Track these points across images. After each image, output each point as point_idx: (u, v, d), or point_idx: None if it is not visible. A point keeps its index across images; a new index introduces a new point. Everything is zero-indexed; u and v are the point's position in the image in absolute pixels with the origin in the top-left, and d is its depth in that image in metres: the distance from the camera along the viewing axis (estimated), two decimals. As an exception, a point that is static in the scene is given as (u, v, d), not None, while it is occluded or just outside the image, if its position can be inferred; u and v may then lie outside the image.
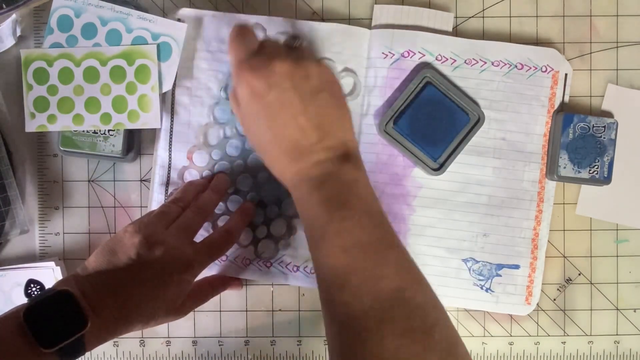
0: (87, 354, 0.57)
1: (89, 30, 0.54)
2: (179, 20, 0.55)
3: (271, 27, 0.55)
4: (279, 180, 0.47)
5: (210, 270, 0.56)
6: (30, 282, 0.44)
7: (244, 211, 0.54)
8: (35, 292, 0.44)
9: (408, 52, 0.55)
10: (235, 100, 0.48)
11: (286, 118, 0.44)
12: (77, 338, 0.42)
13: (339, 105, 0.47)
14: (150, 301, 0.46)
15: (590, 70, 0.57)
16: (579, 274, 0.58)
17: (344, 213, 0.43)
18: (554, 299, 0.57)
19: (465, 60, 0.55)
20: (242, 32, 0.47)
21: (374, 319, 0.39)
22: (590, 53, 0.57)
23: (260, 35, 0.55)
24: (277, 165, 0.47)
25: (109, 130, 0.54)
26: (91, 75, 0.54)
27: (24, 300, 0.43)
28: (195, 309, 0.54)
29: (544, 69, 0.55)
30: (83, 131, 0.54)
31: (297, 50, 0.48)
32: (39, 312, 0.41)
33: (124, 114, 0.54)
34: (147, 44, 0.54)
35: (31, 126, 0.54)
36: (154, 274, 0.46)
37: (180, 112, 0.56)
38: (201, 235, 0.51)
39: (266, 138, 0.46)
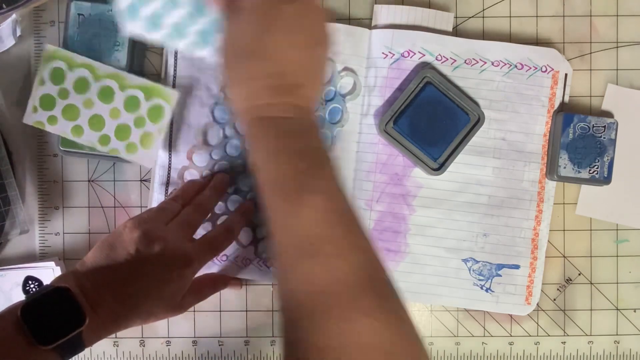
0: (87, 353, 0.57)
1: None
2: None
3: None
4: (232, 104, 0.42)
5: (210, 270, 0.56)
6: (28, 278, 0.44)
7: (244, 210, 0.54)
8: (34, 289, 0.44)
9: (408, 52, 0.55)
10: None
11: (294, 41, 0.40)
12: (76, 335, 0.42)
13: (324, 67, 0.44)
14: (149, 297, 0.46)
15: (590, 70, 0.57)
16: (579, 274, 0.57)
17: (324, 173, 0.39)
18: (554, 299, 0.57)
19: (465, 60, 0.55)
20: None
21: (346, 295, 0.35)
22: (590, 53, 0.57)
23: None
24: (245, 89, 0.41)
25: (109, 131, 0.54)
26: (106, 94, 0.54)
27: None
28: (196, 309, 0.54)
29: (544, 69, 0.55)
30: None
31: None
32: (37, 309, 0.41)
33: (123, 142, 0.54)
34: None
35: (30, 119, 0.54)
36: (153, 269, 0.46)
37: (180, 112, 0.56)
38: (200, 235, 0.51)
39: (255, 51, 0.40)
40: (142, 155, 0.54)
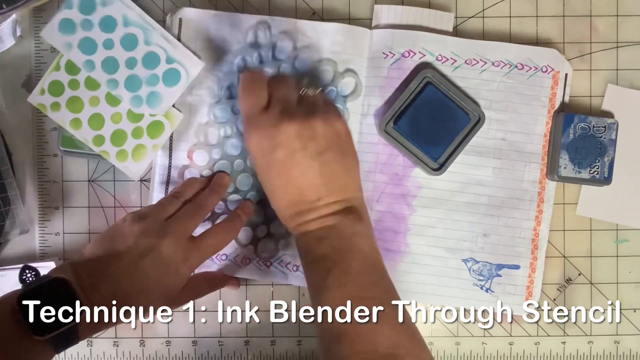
0: (87, 353, 0.57)
1: (109, 24, 0.53)
2: (188, 46, 0.55)
3: (271, 28, 0.55)
4: (284, 226, 0.49)
5: (209, 269, 0.56)
6: (26, 267, 0.44)
7: (243, 209, 0.54)
8: (30, 278, 0.44)
9: (408, 52, 0.55)
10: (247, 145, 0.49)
11: (290, 176, 0.46)
12: (71, 327, 0.42)
13: (345, 161, 0.48)
14: (146, 292, 0.46)
15: (590, 70, 0.57)
16: (579, 274, 0.58)
17: (341, 268, 0.44)
18: (554, 299, 0.57)
19: (466, 60, 0.55)
20: (251, 86, 0.48)
21: None
22: (590, 53, 0.57)
23: (263, 36, 0.55)
24: (281, 214, 0.49)
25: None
26: (113, 98, 0.54)
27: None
28: (196, 309, 0.54)
29: (544, 69, 0.55)
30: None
31: (307, 101, 0.48)
32: (34, 299, 0.41)
33: (115, 148, 0.54)
34: (159, 63, 0.53)
35: (34, 99, 0.53)
36: (150, 265, 0.46)
37: (181, 111, 0.56)
38: (199, 233, 0.51)
39: (272, 189, 0.48)
40: (130, 165, 0.54)
